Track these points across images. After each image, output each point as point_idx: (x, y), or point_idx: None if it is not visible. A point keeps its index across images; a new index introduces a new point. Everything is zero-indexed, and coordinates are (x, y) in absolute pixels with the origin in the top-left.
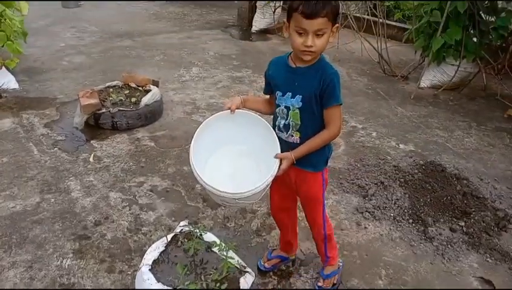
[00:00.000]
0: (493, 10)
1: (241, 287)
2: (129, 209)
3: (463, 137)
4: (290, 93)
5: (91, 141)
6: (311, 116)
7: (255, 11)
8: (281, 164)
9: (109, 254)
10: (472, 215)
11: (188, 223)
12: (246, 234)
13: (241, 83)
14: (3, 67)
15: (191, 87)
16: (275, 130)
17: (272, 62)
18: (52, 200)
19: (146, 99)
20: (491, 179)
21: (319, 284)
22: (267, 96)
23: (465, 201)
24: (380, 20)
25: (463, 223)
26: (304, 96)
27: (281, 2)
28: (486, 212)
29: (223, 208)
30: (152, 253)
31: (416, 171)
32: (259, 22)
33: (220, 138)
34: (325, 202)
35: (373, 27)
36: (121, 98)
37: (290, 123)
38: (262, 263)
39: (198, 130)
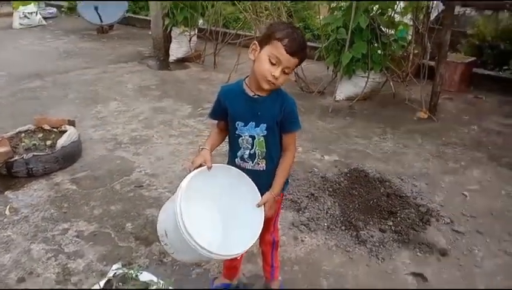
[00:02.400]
0: (391, 24)
1: None
2: (55, 260)
3: (381, 142)
4: (254, 123)
5: (5, 193)
6: (274, 142)
7: (171, 41)
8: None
9: None
10: (398, 214)
11: (122, 266)
12: (185, 267)
13: (163, 113)
14: None
15: (111, 122)
16: (237, 160)
17: (224, 91)
18: None
19: (62, 141)
20: (410, 178)
21: None
22: (216, 128)
23: (390, 201)
24: None
25: (391, 223)
26: (268, 124)
27: (196, 30)
28: (410, 209)
29: (158, 243)
30: None
31: (342, 179)
32: (176, 51)
33: (199, 195)
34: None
35: None
36: (35, 142)
37: (256, 152)
38: None
39: (179, 195)
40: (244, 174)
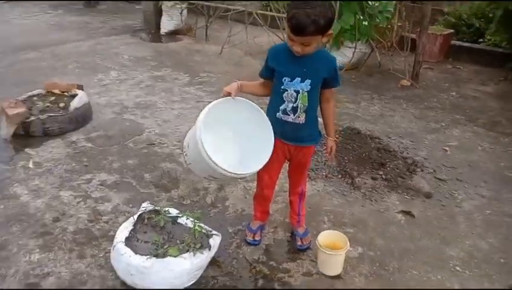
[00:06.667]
0: None
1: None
2: (85, 204)
3: (369, 106)
4: (299, 78)
5: (25, 150)
6: (314, 97)
7: (162, 14)
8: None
9: (76, 243)
10: (387, 165)
11: (149, 204)
12: (203, 208)
13: (163, 81)
14: None
15: (114, 89)
16: (279, 114)
17: (272, 50)
18: (2, 206)
19: (75, 103)
20: (396, 136)
21: (299, 243)
22: (262, 80)
23: (380, 155)
24: (283, 14)
25: (381, 172)
26: (312, 80)
27: (187, 3)
28: (397, 161)
29: (176, 190)
30: (123, 232)
31: (337, 136)
32: (167, 24)
33: (220, 120)
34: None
35: (277, 21)
36: (48, 104)
37: (299, 105)
38: (251, 239)
39: (202, 115)
40: (260, 109)
